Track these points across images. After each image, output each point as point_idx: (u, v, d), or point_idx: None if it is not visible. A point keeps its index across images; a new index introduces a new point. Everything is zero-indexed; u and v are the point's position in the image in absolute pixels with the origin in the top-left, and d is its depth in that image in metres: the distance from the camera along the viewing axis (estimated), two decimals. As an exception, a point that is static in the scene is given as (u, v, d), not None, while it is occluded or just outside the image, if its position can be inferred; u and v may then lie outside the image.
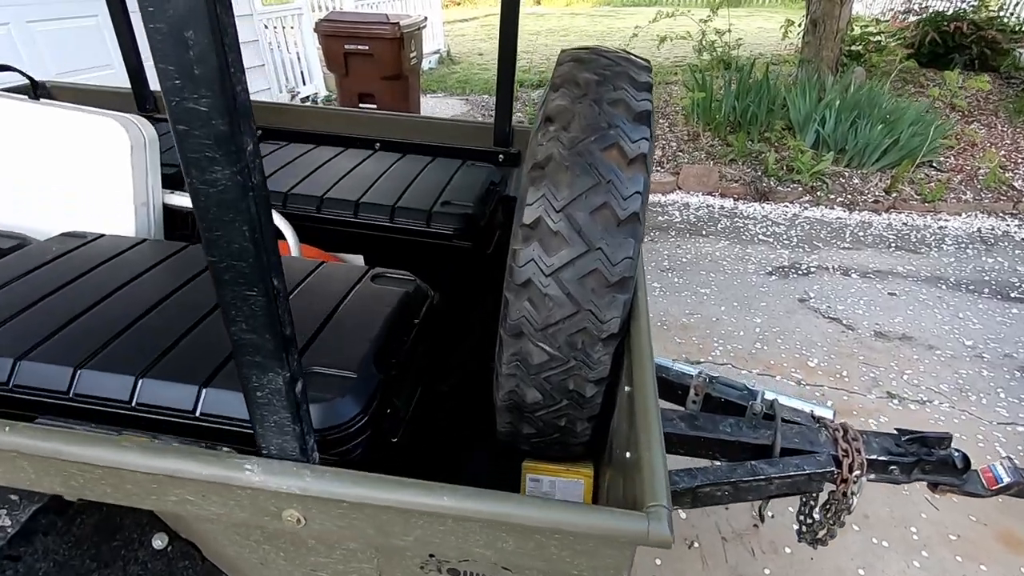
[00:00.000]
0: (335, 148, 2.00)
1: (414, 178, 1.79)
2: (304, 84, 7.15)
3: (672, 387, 1.82)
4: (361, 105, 5.42)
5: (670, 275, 3.86)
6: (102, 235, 1.33)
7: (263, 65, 6.15)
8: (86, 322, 0.99)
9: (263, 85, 6.20)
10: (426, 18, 5.77)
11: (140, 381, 0.90)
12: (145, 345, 0.95)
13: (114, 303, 1.05)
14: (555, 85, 1.03)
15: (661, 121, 6.28)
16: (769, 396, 1.74)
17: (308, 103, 7.05)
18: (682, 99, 6.27)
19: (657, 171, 5.33)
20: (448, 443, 1.49)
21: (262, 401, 0.65)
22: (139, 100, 2.22)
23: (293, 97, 6.79)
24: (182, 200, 1.50)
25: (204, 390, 0.89)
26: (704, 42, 6.67)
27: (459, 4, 20.39)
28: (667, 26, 6.61)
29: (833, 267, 4.00)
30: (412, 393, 1.15)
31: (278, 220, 1.50)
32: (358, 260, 1.72)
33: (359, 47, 5.00)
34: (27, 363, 0.90)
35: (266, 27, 6.46)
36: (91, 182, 1.39)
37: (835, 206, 4.90)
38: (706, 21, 6.61)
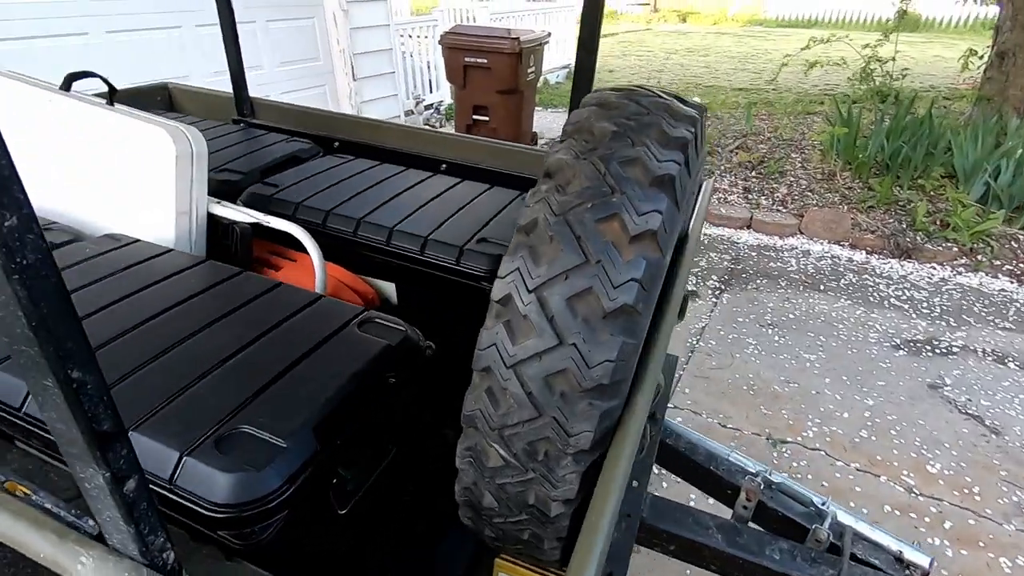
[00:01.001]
0: (399, 167, 1.95)
1: (462, 207, 1.68)
2: (431, 92, 7.44)
3: (721, 484, 1.53)
4: (475, 117, 5.49)
5: (770, 332, 3.42)
6: (137, 240, 1.36)
7: (393, 72, 6.47)
8: None
9: (391, 91, 6.52)
10: (549, 34, 5.72)
11: None
12: None
13: (99, 319, 1.04)
14: (565, 133, 0.86)
15: (793, 155, 5.68)
16: (843, 519, 1.40)
17: (431, 110, 7.31)
18: (820, 133, 5.62)
19: (778, 211, 4.80)
20: (432, 501, 1.35)
21: (92, 493, 0.55)
22: (238, 104, 2.35)
23: (418, 103, 7.08)
24: (226, 211, 1.51)
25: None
26: (866, 70, 5.93)
27: (601, 19, 20.22)
28: (822, 51, 5.97)
29: (984, 350, 3.30)
30: (377, 458, 1.03)
31: (303, 236, 1.46)
32: (390, 289, 1.65)
33: (478, 60, 5.05)
34: None
35: (401, 36, 6.81)
36: (139, 186, 1.44)
37: (1000, 275, 4.08)
38: (870, 46, 5.88)
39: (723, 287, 3.91)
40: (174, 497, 0.78)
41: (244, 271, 1.26)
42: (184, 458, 0.79)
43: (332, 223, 1.60)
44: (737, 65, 11.37)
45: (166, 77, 2.82)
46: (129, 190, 1.47)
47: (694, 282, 3.94)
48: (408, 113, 6.93)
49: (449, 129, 6.72)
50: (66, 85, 1.54)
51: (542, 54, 5.48)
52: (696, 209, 1.43)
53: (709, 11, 20.04)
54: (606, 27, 18.36)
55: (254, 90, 5.46)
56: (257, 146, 2.04)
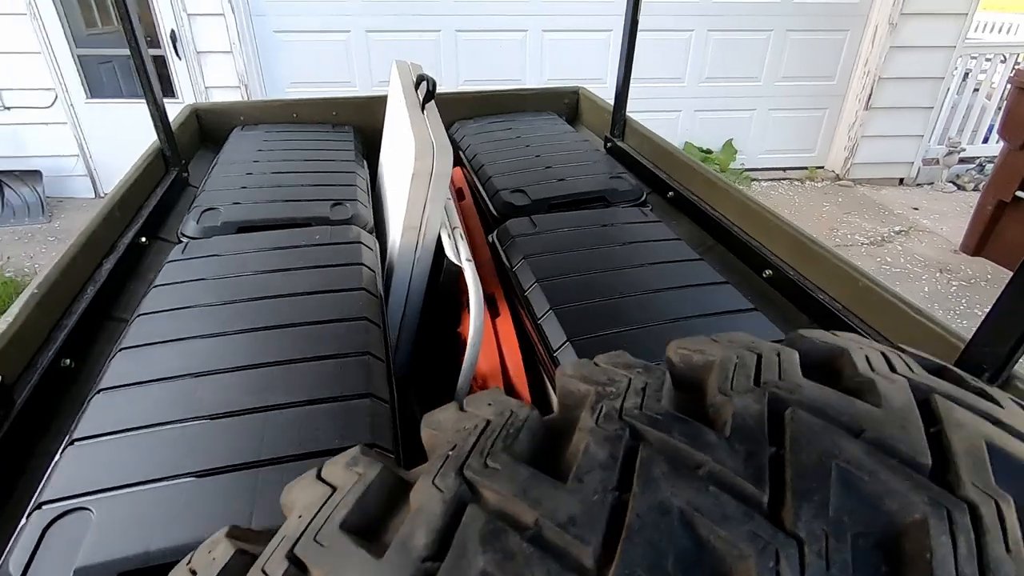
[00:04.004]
0: (697, 256, 1.40)
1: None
2: (983, 142, 5.40)
3: None
4: (1018, 194, 3.68)
5: None
6: (356, 242, 1.38)
7: (930, 108, 4.94)
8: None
9: (913, 130, 5.03)
10: None
11: None
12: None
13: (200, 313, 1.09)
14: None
15: None
16: None
17: (970, 166, 5.34)
18: None
19: None
20: None
21: None
22: (613, 124, 2.15)
23: (950, 152, 5.27)
24: (444, 240, 1.38)
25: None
26: None
27: None
28: None
29: None
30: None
31: (474, 301, 1.19)
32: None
33: (1064, 114, 3.26)
34: None
35: (974, 59, 5.06)
36: (396, 190, 1.46)
37: None
38: None
39: None
40: None
41: (366, 319, 1.11)
42: (26, 520, 0.73)
43: (532, 299, 1.27)
44: None
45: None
46: (394, 191, 1.51)
47: None
48: (929, 162, 5.26)
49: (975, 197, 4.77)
50: (416, 83, 1.66)
51: None
52: None
53: None
54: None
55: (745, 102, 5.06)
56: (583, 172, 1.82)
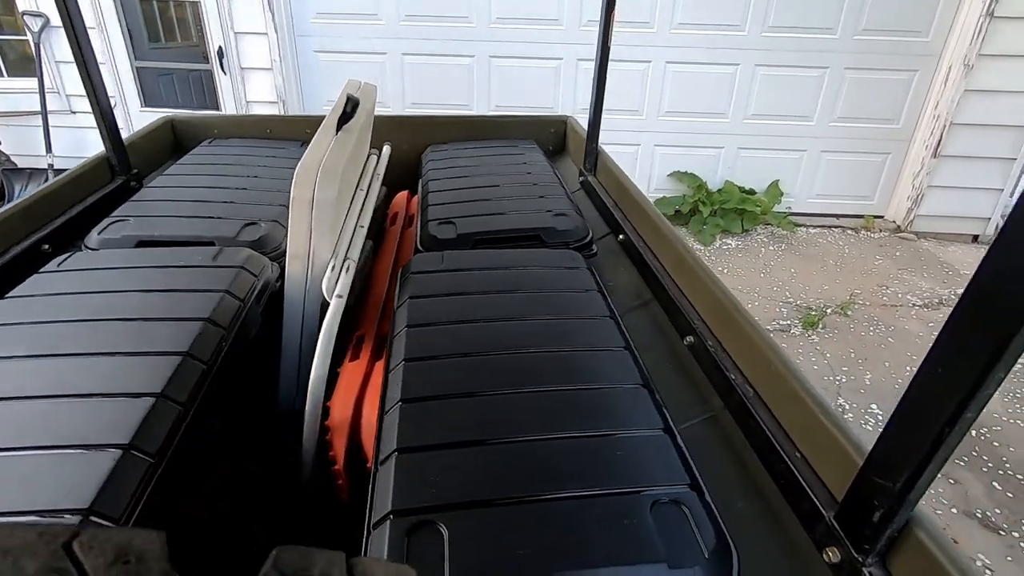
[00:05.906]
0: (616, 332, 1.21)
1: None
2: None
3: None
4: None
5: None
6: (238, 268, 1.30)
7: (1012, 159, 4.39)
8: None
9: (992, 183, 4.48)
10: None
11: None
12: None
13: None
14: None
15: None
16: None
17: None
18: None
19: None
20: None
21: None
22: (585, 157, 1.98)
23: (1037, 211, 4.64)
24: (328, 279, 1.26)
25: None
26: None
27: None
28: None
29: None
30: None
31: (323, 338, 1.07)
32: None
33: None
34: None
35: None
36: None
37: None
38: None
39: None
40: None
41: (188, 355, 1.00)
42: None
43: (394, 345, 1.12)
44: None
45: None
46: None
47: None
48: (1010, 219, 4.66)
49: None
50: (349, 108, 1.57)
51: None
52: None
53: None
54: None
55: (794, 142, 4.77)
56: (529, 208, 1.66)
